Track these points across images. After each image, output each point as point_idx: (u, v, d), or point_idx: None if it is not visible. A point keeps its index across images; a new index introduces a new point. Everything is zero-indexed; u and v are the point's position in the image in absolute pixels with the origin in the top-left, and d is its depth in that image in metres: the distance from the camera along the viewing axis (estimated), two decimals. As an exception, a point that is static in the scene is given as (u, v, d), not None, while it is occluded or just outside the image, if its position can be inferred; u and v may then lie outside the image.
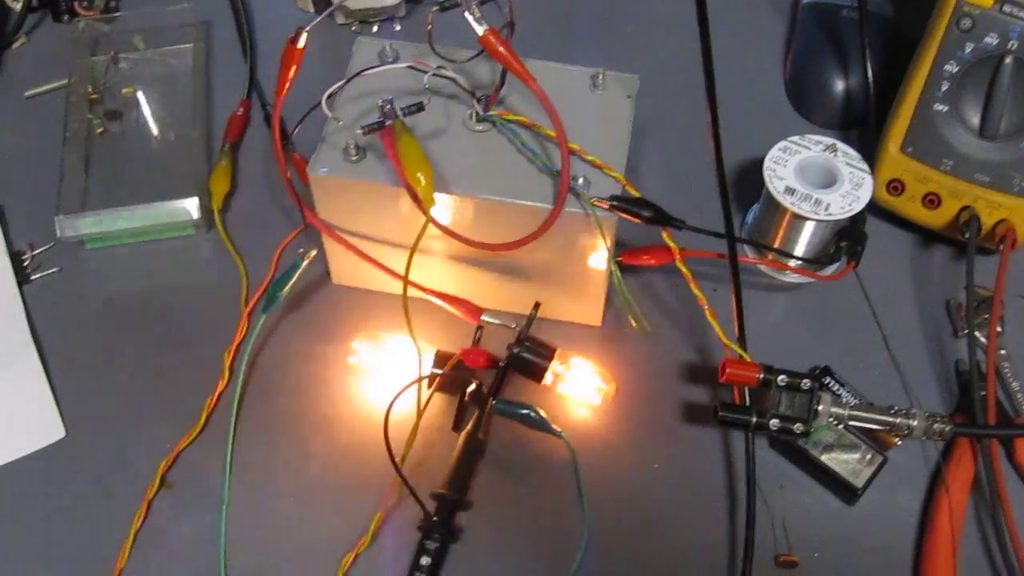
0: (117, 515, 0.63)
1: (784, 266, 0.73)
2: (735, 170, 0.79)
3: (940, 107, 0.71)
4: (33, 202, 0.76)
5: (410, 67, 0.66)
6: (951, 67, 0.69)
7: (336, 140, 0.65)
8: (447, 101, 0.67)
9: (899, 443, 0.66)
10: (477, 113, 0.66)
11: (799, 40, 0.86)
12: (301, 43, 0.62)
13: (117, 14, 0.88)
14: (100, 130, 0.80)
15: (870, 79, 0.78)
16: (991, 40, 0.68)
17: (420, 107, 0.63)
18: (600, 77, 0.68)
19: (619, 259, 0.67)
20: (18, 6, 0.87)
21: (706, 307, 0.65)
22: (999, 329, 0.70)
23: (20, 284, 0.73)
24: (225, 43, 0.87)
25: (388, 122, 0.62)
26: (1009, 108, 0.69)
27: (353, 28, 0.88)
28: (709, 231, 0.65)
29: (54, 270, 0.74)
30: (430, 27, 0.63)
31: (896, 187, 0.74)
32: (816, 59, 0.83)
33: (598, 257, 0.65)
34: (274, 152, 0.63)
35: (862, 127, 0.81)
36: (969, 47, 0.68)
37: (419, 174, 0.60)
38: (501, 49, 0.61)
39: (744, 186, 0.77)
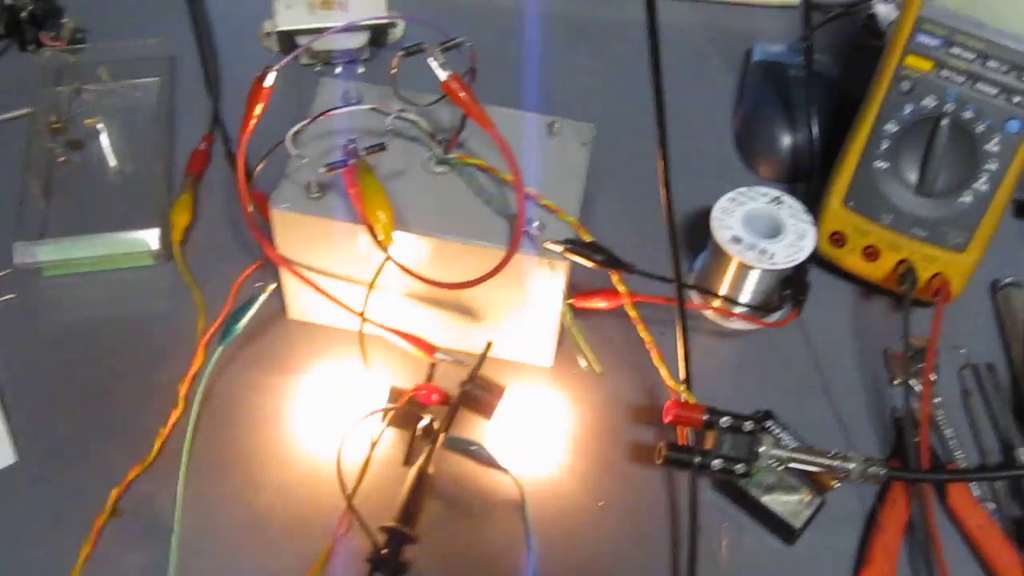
0: (66, 542, 0.63)
1: (730, 312, 0.75)
2: (685, 218, 0.81)
3: (880, 164, 0.74)
4: (-9, 229, 0.76)
5: (373, 109, 0.67)
6: (891, 127, 0.73)
7: (298, 177, 0.66)
8: (408, 143, 0.69)
9: (837, 486, 0.68)
10: (437, 156, 0.67)
11: (748, 96, 0.89)
12: (268, 82, 0.64)
13: (83, 46, 0.89)
14: (62, 159, 0.81)
15: (815, 135, 0.81)
16: (929, 102, 0.71)
17: (382, 147, 0.64)
18: (556, 125, 0.71)
19: (571, 301, 0.69)
20: (-17, 34, 0.88)
21: (653, 350, 0.67)
22: (933, 378, 0.73)
23: (-25, 310, 0.73)
24: (190, 78, 0.89)
25: (350, 161, 0.63)
26: (945, 167, 0.72)
27: (316, 69, 0.90)
28: (658, 276, 0.67)
29: (10, 296, 0.74)
30: (394, 71, 0.65)
31: (838, 239, 0.77)
32: (764, 115, 0.86)
33: (550, 298, 0.67)
34: (237, 186, 0.65)
35: (807, 181, 0.83)
36: (908, 108, 0.72)
37: (379, 212, 0.62)
38: (462, 94, 0.63)
39: (693, 234, 0.80)
